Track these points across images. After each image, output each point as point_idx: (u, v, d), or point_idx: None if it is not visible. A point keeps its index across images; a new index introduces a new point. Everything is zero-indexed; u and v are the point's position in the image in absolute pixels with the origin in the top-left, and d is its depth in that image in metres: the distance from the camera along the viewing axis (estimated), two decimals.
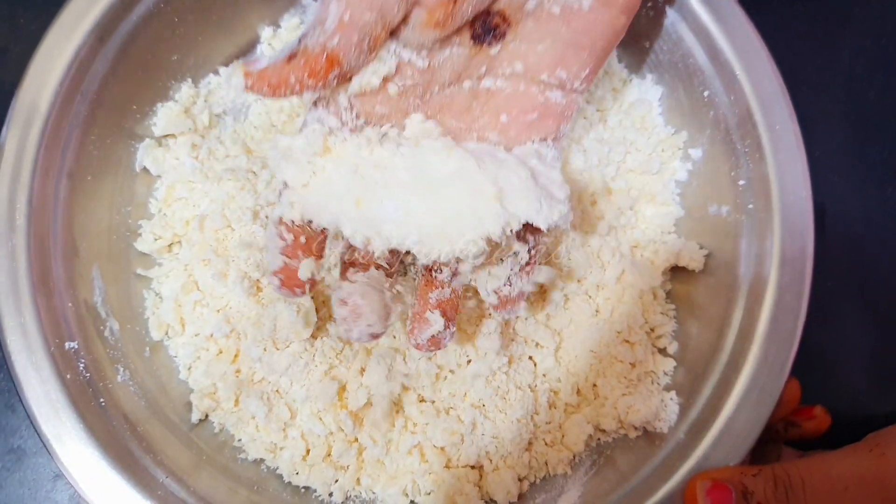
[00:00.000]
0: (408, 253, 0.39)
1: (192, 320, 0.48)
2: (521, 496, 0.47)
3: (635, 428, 0.47)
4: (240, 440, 0.47)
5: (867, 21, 0.61)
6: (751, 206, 0.45)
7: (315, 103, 0.39)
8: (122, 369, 0.45)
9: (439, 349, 0.43)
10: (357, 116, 0.39)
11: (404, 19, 0.35)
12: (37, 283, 0.41)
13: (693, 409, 0.44)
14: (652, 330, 0.49)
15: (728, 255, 0.46)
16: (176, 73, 0.49)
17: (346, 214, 0.38)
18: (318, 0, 0.35)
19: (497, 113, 0.41)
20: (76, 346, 0.42)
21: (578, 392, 0.48)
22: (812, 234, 0.42)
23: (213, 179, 0.49)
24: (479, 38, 0.38)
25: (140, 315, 0.48)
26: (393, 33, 0.36)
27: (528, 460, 0.47)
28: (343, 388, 0.47)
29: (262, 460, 0.47)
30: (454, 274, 0.42)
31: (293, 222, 0.39)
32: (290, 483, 0.47)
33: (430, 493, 0.46)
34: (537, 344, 0.49)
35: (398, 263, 0.42)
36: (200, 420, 0.47)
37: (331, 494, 0.47)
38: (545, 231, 0.39)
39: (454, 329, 0.43)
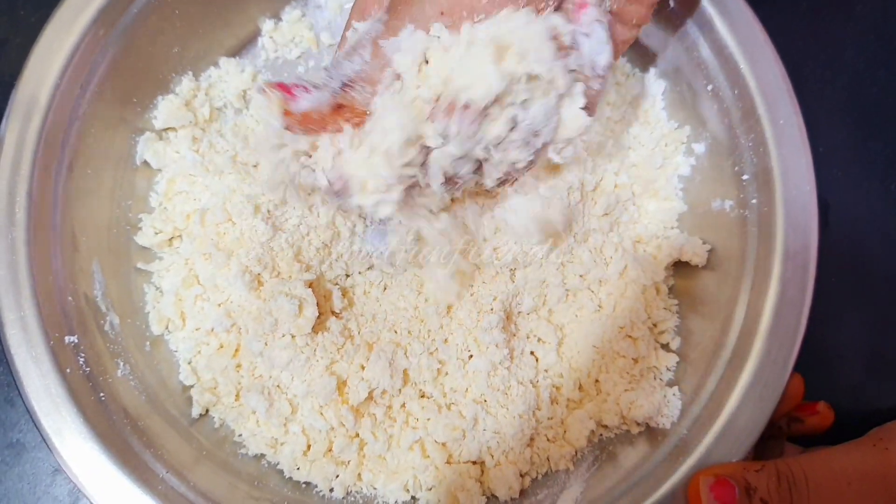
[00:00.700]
0: None
1: (193, 314, 0.47)
2: (522, 492, 0.47)
3: (637, 424, 0.47)
4: (240, 435, 0.47)
5: (870, 18, 0.62)
6: (754, 200, 0.45)
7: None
8: (122, 364, 0.44)
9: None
10: None
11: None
12: (36, 277, 0.41)
13: (696, 405, 0.44)
14: (654, 325, 0.49)
15: (731, 250, 0.46)
16: (176, 66, 0.49)
17: None
18: (366, 45, 0.35)
19: None
20: (76, 341, 0.42)
21: (580, 387, 0.48)
22: (816, 228, 0.42)
23: (214, 173, 0.48)
24: None
25: (140, 309, 0.48)
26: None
27: (530, 456, 0.47)
28: (344, 384, 0.47)
29: (262, 455, 0.47)
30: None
31: None
32: (290, 478, 0.47)
33: (431, 489, 0.46)
34: (539, 339, 0.48)
35: None
36: (201, 415, 0.47)
37: (332, 490, 0.46)
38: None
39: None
